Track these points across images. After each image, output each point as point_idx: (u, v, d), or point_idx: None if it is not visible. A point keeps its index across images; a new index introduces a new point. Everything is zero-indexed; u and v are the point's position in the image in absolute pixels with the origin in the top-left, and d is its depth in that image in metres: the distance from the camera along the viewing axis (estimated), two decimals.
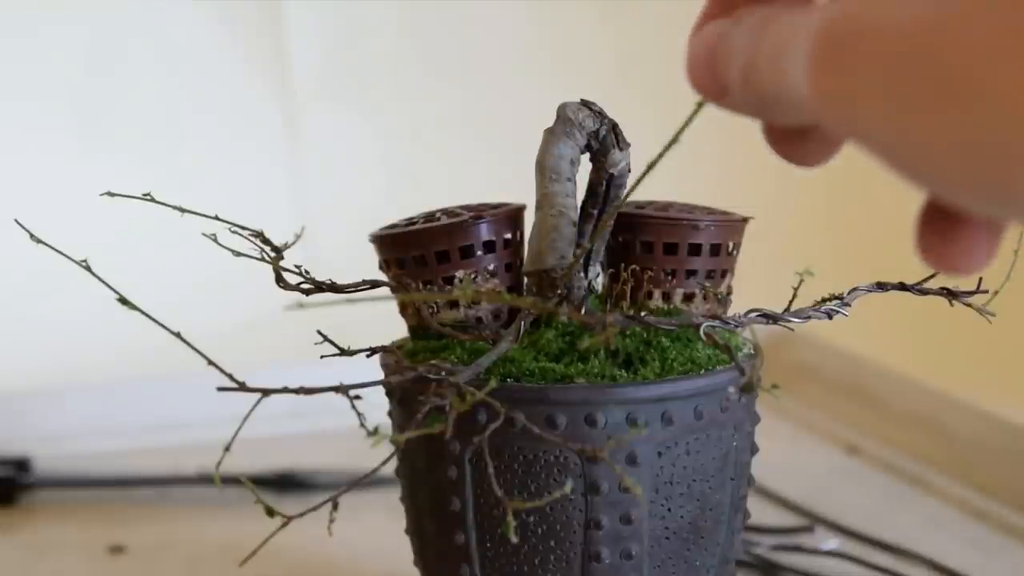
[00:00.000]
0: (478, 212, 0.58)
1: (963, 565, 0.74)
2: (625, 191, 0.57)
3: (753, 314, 0.55)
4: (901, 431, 0.96)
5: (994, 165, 0.25)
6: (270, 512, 0.51)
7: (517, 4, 1.18)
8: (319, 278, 0.58)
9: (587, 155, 0.57)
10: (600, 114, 0.56)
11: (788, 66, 0.29)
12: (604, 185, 0.57)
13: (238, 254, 0.57)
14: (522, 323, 0.55)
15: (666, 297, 0.58)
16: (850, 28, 0.27)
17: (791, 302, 0.56)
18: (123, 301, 0.52)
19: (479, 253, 0.57)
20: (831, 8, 0.28)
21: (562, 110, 0.56)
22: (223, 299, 1.08)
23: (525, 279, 0.58)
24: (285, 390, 0.51)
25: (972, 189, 0.26)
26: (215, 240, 0.57)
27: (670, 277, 0.58)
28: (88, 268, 0.53)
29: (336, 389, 0.51)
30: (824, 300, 0.56)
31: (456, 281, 0.57)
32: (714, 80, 0.33)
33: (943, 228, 0.31)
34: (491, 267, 0.57)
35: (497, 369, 0.54)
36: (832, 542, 0.79)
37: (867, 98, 0.27)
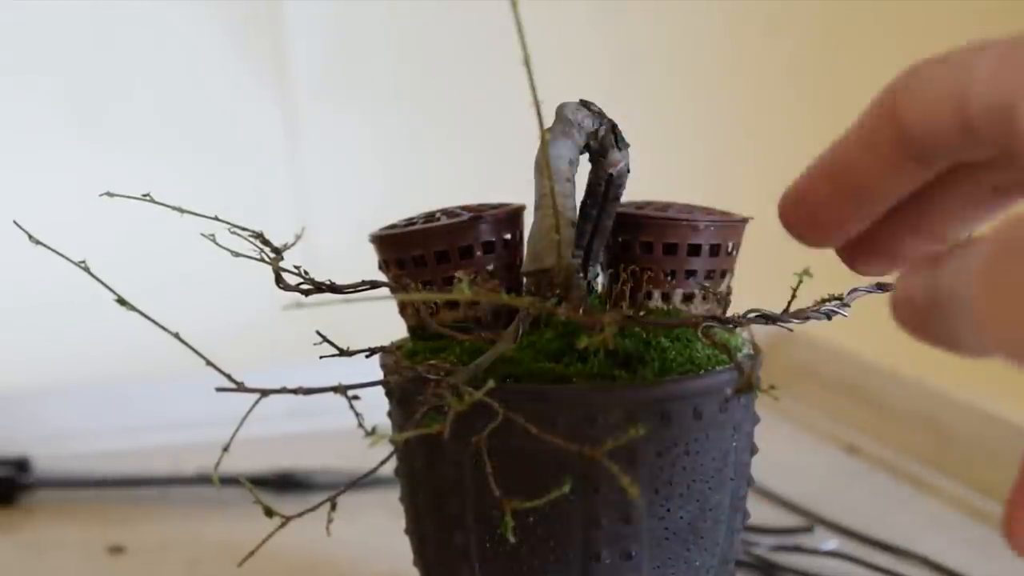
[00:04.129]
0: (478, 212, 0.58)
1: (963, 565, 0.74)
2: (624, 191, 0.57)
3: (752, 314, 0.55)
4: (901, 431, 0.96)
5: None
6: (269, 512, 0.51)
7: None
8: (319, 278, 0.57)
9: (586, 155, 0.57)
10: (599, 114, 0.56)
11: (960, 289, 0.31)
12: (603, 185, 0.57)
13: (237, 254, 0.57)
14: (521, 323, 0.55)
15: (665, 297, 0.58)
16: (1012, 247, 0.28)
17: (790, 302, 0.56)
18: (121, 302, 0.52)
19: (478, 253, 0.57)
20: (993, 235, 0.29)
21: (561, 110, 0.56)
22: (222, 299, 1.08)
23: (524, 279, 0.58)
24: (284, 390, 0.51)
25: None
26: (214, 240, 0.57)
27: (669, 277, 0.57)
28: (86, 269, 0.53)
29: (335, 389, 0.51)
30: (823, 300, 0.56)
31: (455, 281, 0.57)
32: (922, 323, 0.34)
33: None
34: (490, 267, 0.57)
35: (496, 369, 0.54)
36: (831, 542, 0.79)
37: None
